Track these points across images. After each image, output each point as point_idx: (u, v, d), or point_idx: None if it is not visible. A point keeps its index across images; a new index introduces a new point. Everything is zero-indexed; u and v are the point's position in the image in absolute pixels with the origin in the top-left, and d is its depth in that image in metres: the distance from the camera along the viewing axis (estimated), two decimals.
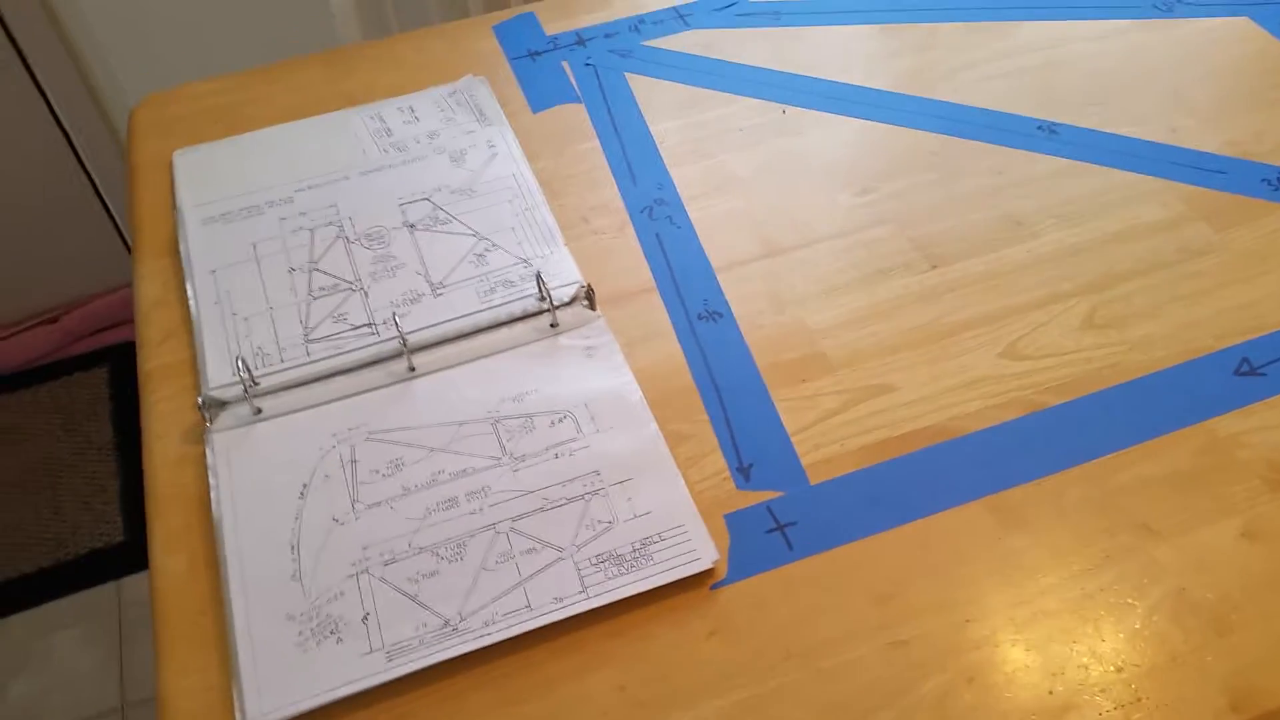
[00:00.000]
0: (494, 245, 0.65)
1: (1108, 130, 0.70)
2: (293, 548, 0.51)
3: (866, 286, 0.62)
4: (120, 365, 1.45)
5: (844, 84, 0.74)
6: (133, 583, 1.25)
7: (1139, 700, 0.45)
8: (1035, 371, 0.57)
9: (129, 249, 1.44)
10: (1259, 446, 0.53)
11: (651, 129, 0.72)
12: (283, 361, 0.59)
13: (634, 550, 0.50)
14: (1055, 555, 0.50)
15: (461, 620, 0.48)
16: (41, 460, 1.36)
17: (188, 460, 0.56)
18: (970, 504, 0.52)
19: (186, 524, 0.53)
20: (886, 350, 0.59)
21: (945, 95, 0.73)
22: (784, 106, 0.73)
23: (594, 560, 0.50)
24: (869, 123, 0.72)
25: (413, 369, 0.58)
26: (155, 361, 0.61)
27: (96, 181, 1.35)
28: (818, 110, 0.73)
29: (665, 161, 0.70)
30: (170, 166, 0.72)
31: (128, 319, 1.48)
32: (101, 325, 1.46)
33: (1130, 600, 0.49)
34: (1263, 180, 0.66)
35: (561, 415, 0.55)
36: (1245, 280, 0.61)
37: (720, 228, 0.66)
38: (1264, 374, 0.56)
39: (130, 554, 1.27)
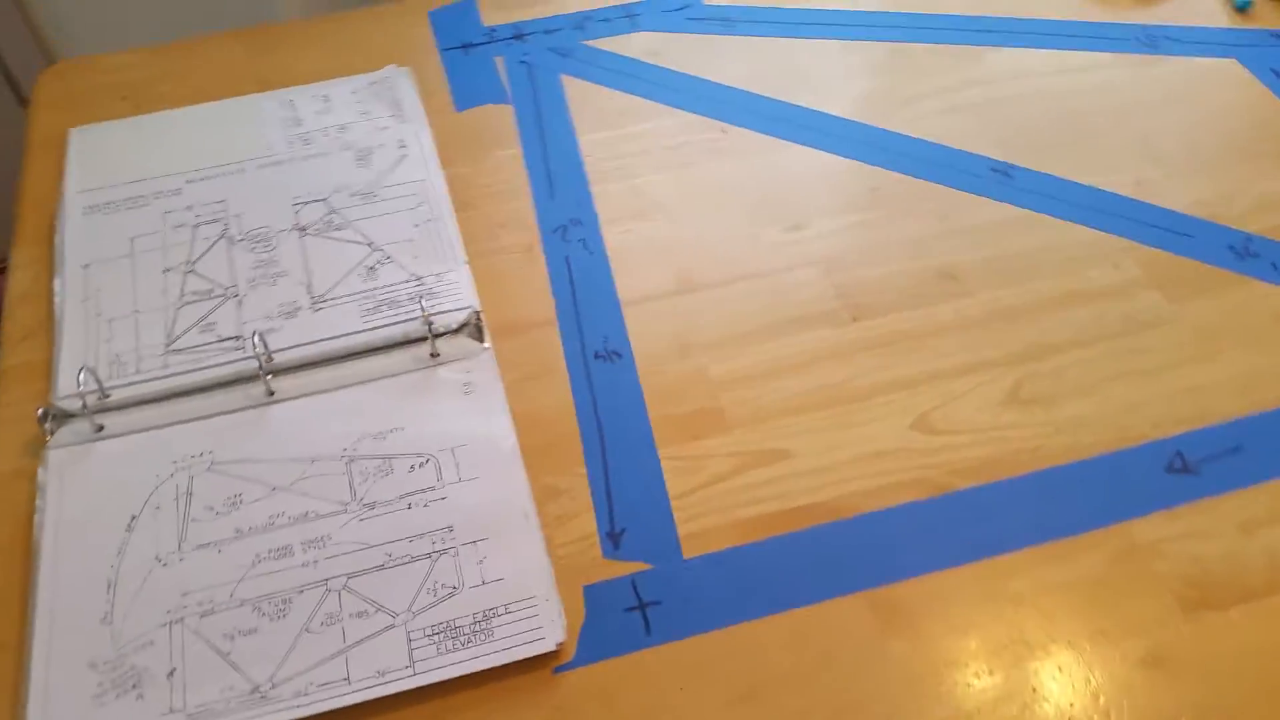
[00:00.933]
0: (388, 258, 0.60)
1: (1067, 177, 0.64)
2: (109, 586, 0.47)
3: (779, 335, 0.57)
4: None
5: (792, 105, 0.69)
6: None
7: None
8: (946, 449, 0.52)
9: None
10: (1178, 558, 0.48)
11: (580, 140, 0.67)
12: (139, 372, 0.55)
13: (474, 622, 0.46)
14: (936, 667, 0.45)
15: (272, 687, 0.44)
16: None
17: (23, 475, 0.52)
18: (850, 596, 0.47)
19: (8, 545, 0.49)
20: (790, 410, 0.54)
21: (899, 125, 0.67)
22: (725, 126, 0.68)
23: (428, 631, 0.45)
24: (811, 150, 0.66)
25: (271, 393, 0.53)
26: (12, 360, 0.57)
27: None
28: (760, 133, 0.67)
29: (589, 178, 0.65)
30: (65, 144, 0.67)
31: None
32: None
33: None
34: (1229, 247, 0.60)
35: (424, 459, 0.51)
36: (1195, 361, 0.56)
37: (635, 256, 0.61)
38: (1197, 473, 0.51)
39: None
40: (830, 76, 0.71)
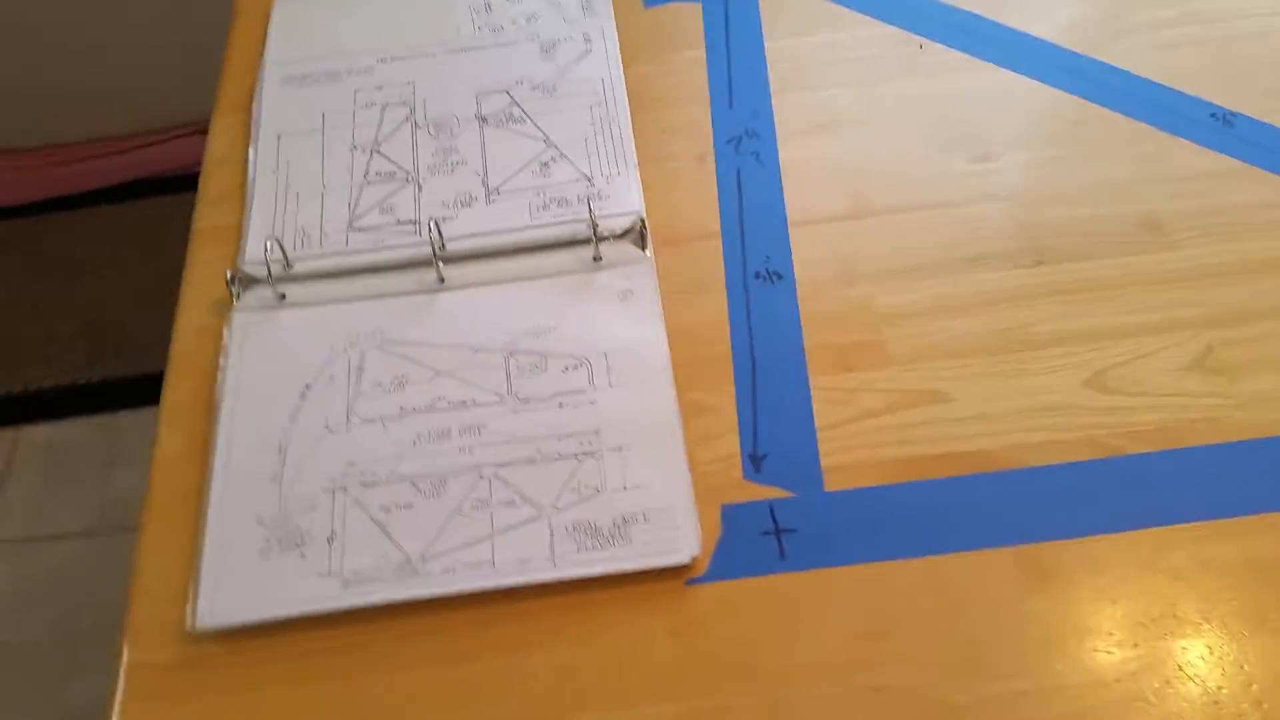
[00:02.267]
0: (561, 155, 0.60)
1: None
2: (280, 449, 0.50)
3: (954, 272, 0.54)
4: None
5: (998, 24, 0.64)
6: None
7: None
8: (1120, 410, 0.49)
9: None
10: None
11: (767, 45, 0.65)
12: (321, 247, 0.57)
13: (613, 525, 0.47)
14: (1077, 631, 0.44)
15: (423, 562, 0.46)
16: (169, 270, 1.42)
17: (208, 333, 0.55)
18: (996, 550, 0.46)
19: (193, 401, 0.53)
20: (955, 352, 0.52)
21: (1111, 57, 0.62)
22: (922, 40, 0.64)
23: (570, 528, 0.47)
24: (1012, 74, 0.62)
25: (442, 280, 0.55)
26: (206, 221, 0.60)
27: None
28: (959, 50, 0.64)
29: (771, 86, 0.63)
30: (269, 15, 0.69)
31: None
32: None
33: (1151, 702, 0.42)
34: None
35: (578, 362, 0.52)
36: None
37: (809, 173, 0.59)
38: None
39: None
40: None
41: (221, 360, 0.53)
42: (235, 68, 0.68)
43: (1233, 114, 0.59)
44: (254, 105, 0.64)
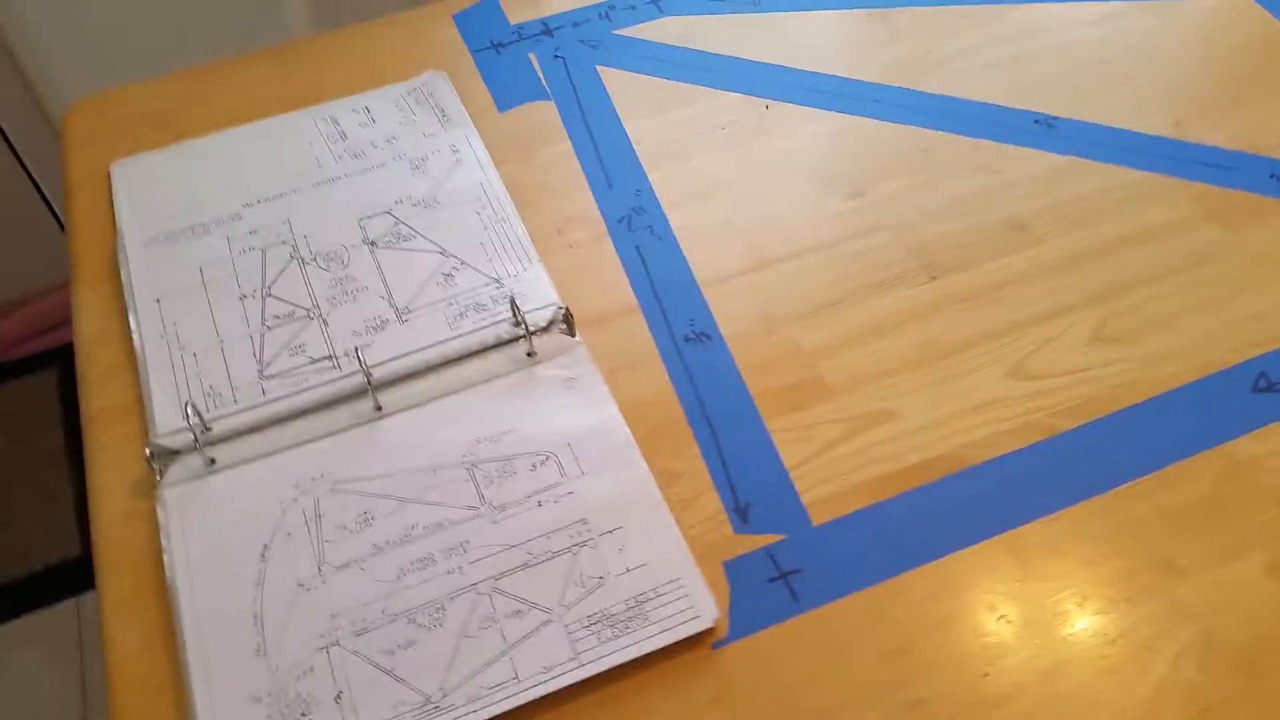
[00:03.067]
0: (463, 263, 0.60)
1: (1108, 124, 0.66)
2: (255, 618, 0.47)
3: (862, 301, 0.58)
4: (70, 367, 1.39)
5: (829, 76, 0.70)
6: (91, 601, 1.20)
7: None
8: (1045, 392, 0.54)
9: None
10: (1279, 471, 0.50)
11: (627, 128, 0.68)
12: (236, 402, 0.54)
13: (628, 609, 0.46)
14: (1076, 598, 0.47)
15: (444, 696, 0.44)
16: None
17: (136, 516, 0.51)
18: (985, 543, 0.49)
19: (139, 590, 0.49)
20: (887, 372, 0.55)
21: (935, 87, 0.69)
22: (767, 101, 0.69)
23: (585, 622, 0.46)
24: (856, 118, 0.67)
25: (379, 408, 0.53)
26: (99, 403, 0.56)
27: (35, 178, 1.28)
28: (802, 105, 0.68)
29: (643, 165, 0.66)
30: (108, 180, 0.66)
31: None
32: (47, 326, 1.39)
33: (1155, 646, 0.46)
34: (1271, 176, 0.63)
35: (543, 457, 0.51)
36: (1260, 287, 0.58)
37: (704, 238, 0.62)
38: None
39: (89, 569, 1.22)
40: (860, 45, 0.72)
41: (163, 541, 0.49)
42: (85, 240, 0.64)
43: (1053, 118, 0.66)
44: (122, 272, 0.60)
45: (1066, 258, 0.59)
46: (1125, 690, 0.45)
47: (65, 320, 1.38)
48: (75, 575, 1.22)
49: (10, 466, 1.30)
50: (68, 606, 1.20)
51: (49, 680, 1.15)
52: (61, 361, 1.39)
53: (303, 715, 0.44)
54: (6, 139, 1.24)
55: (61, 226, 1.30)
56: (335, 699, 0.44)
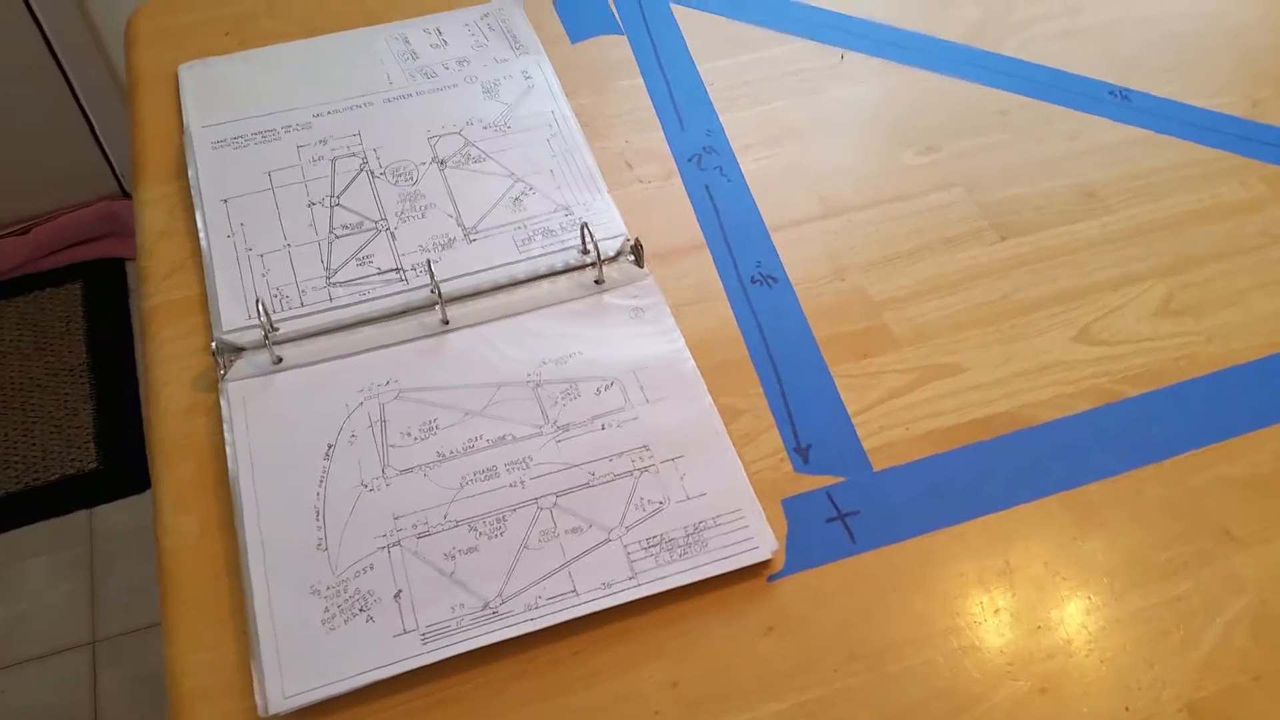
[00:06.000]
0: (531, 189, 0.60)
1: (1184, 100, 0.66)
2: (317, 513, 0.47)
3: (932, 255, 0.58)
4: (95, 283, 1.39)
5: (906, 30, 0.69)
6: (104, 513, 1.20)
7: None
8: (1110, 359, 0.54)
9: (109, 162, 1.36)
10: None
11: (700, 68, 0.67)
12: (303, 305, 0.54)
13: (687, 535, 0.46)
14: (1131, 560, 0.47)
15: (503, 603, 0.44)
16: (10, 380, 1.30)
17: (199, 409, 0.51)
18: (1044, 499, 0.49)
19: (198, 480, 0.49)
20: (955, 327, 0.55)
21: (1012, 51, 0.68)
22: (842, 51, 0.68)
23: (644, 544, 0.46)
24: (931, 74, 0.67)
25: (446, 322, 0.53)
26: (160, 297, 0.56)
27: (77, 90, 1.27)
28: (877, 57, 0.68)
29: (715, 106, 0.65)
30: (175, 81, 0.66)
31: (103, 234, 1.41)
32: (75, 240, 1.39)
33: (1209, 612, 0.46)
34: None
35: (608, 382, 0.51)
36: None
37: (774, 182, 0.61)
38: None
39: (103, 483, 1.22)
40: (937, 3, 0.71)
41: (226, 434, 0.49)
42: (150, 136, 0.64)
43: (1129, 90, 0.66)
44: (190, 171, 0.60)
45: (1137, 228, 0.59)
46: (1177, 653, 0.45)
47: (91, 237, 1.39)
48: (90, 487, 1.22)
49: (32, 377, 1.30)
50: (80, 518, 1.20)
51: (59, 589, 1.15)
52: (86, 277, 1.39)
53: (361, 610, 0.44)
54: (51, 49, 1.23)
55: (99, 143, 1.30)
56: (395, 596, 0.44)
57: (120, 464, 1.23)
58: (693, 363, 0.52)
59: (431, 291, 0.53)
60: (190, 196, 0.59)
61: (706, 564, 0.46)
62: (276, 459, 0.48)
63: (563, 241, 0.57)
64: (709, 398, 0.51)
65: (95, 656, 1.12)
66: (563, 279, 0.55)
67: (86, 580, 1.17)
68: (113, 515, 1.20)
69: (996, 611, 0.46)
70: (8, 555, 1.17)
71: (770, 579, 0.46)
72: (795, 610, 0.46)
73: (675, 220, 0.59)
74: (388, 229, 0.57)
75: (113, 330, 1.34)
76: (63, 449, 1.25)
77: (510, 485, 0.48)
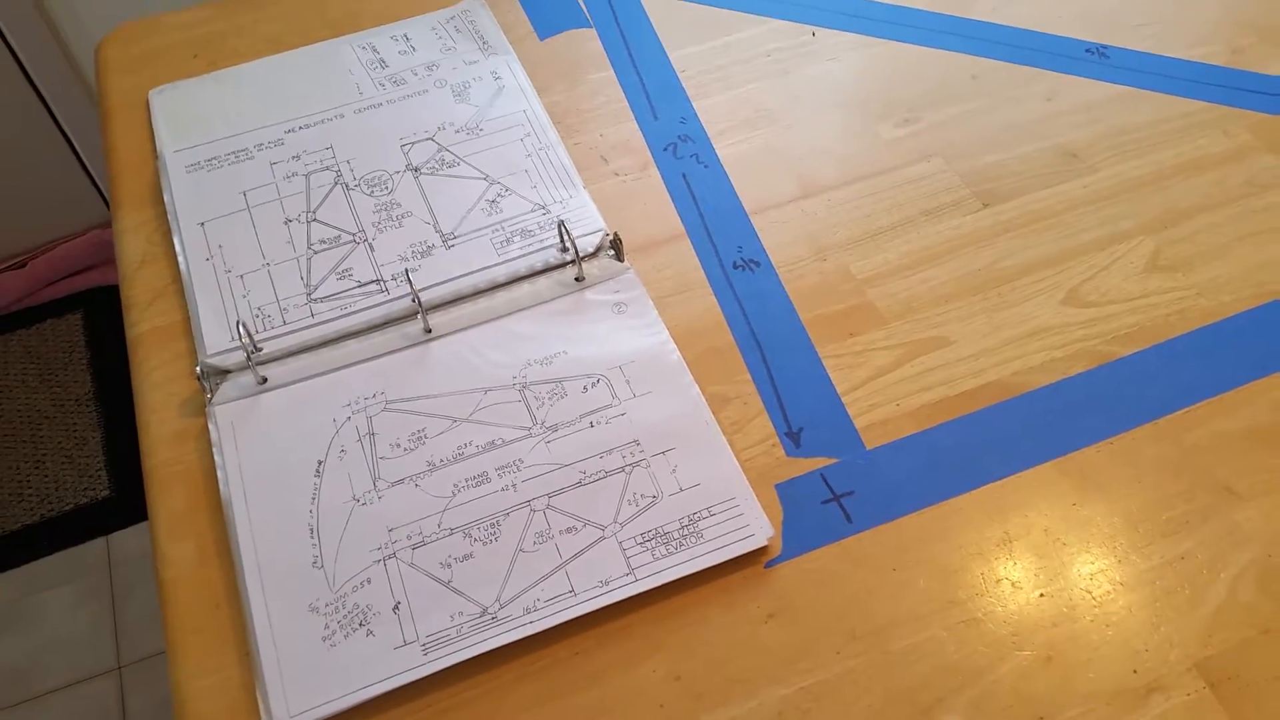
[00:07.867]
0: (507, 190, 0.59)
1: (1164, 53, 0.65)
2: (312, 531, 0.47)
3: (914, 228, 0.57)
4: (95, 311, 1.39)
5: (874, 2, 0.69)
6: (121, 539, 1.21)
7: (1231, 678, 0.43)
8: (1100, 320, 0.53)
9: (98, 189, 1.37)
10: None
11: (670, 56, 0.67)
12: (285, 324, 0.54)
13: (682, 527, 0.46)
14: (1132, 521, 0.47)
15: (501, 608, 0.44)
16: (18, 412, 1.30)
17: (188, 435, 0.51)
18: (1041, 466, 0.48)
19: (191, 506, 0.49)
20: (940, 299, 0.54)
21: (983, 14, 0.67)
22: (813, 28, 0.68)
23: (639, 539, 0.46)
24: (903, 44, 0.66)
25: (429, 330, 0.53)
26: (145, 325, 0.56)
27: (60, 119, 1.27)
28: (848, 32, 0.67)
29: (688, 93, 0.65)
30: (146, 107, 0.66)
31: (98, 262, 1.41)
32: (72, 270, 1.39)
33: (1214, 568, 0.45)
34: None
35: (594, 379, 0.51)
36: None
37: (752, 166, 0.61)
38: None
39: (118, 509, 1.23)
40: None
41: (216, 457, 0.49)
42: (124, 164, 0.63)
43: (1105, 46, 0.65)
44: (165, 196, 0.60)
45: (1120, 186, 0.59)
46: (1183, 611, 0.44)
47: (88, 266, 1.39)
48: (105, 515, 1.23)
49: (40, 410, 1.31)
50: (98, 546, 1.21)
51: (81, 619, 1.16)
52: (86, 306, 1.39)
53: (361, 624, 0.44)
54: (29, 80, 1.23)
55: (86, 171, 1.30)
56: (394, 609, 0.44)
57: (133, 490, 1.24)
58: (678, 354, 0.52)
59: (412, 301, 0.53)
60: (168, 222, 0.59)
61: (703, 555, 0.46)
62: (268, 479, 0.48)
63: (541, 241, 0.57)
64: (697, 388, 0.51)
65: (122, 682, 1.12)
66: (543, 279, 0.55)
67: (108, 607, 1.18)
68: (129, 541, 1.21)
69: (998, 582, 0.45)
70: (29, 587, 1.18)
71: (768, 565, 0.46)
72: (795, 595, 0.45)
73: (654, 211, 0.59)
74: (365, 240, 0.57)
75: (116, 357, 1.34)
76: (75, 479, 1.26)
77: (502, 489, 0.48)
